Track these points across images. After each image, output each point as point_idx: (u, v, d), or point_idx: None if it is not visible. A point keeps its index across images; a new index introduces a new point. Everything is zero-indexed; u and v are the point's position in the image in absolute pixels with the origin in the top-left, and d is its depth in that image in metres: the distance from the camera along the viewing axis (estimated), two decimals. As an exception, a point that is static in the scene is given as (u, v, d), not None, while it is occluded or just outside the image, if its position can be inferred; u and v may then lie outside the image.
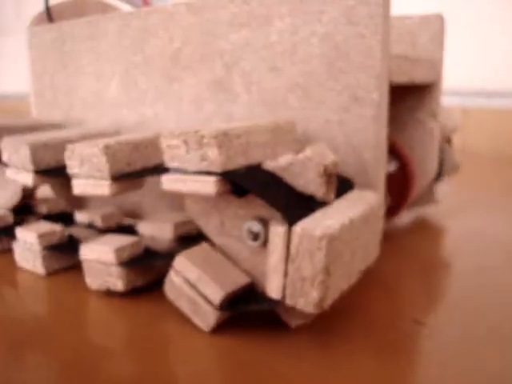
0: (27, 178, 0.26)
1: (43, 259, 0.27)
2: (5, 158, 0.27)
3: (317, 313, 0.18)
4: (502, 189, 0.48)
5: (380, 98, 0.22)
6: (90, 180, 0.23)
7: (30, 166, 0.25)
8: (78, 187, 0.23)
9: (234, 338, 0.20)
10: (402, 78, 0.26)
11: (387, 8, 0.22)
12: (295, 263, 0.17)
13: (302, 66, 0.24)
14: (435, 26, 0.32)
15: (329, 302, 0.18)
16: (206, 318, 0.20)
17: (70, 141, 0.26)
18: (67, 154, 0.23)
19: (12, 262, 0.28)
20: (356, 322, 0.21)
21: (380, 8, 0.22)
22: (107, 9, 0.41)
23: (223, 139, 0.18)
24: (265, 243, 0.20)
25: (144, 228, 0.27)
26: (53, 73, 0.34)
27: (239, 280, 0.21)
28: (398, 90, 0.32)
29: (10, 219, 0.31)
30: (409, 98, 0.33)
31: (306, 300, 0.18)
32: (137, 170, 0.23)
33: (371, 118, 0.23)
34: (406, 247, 0.31)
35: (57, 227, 0.28)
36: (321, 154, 0.19)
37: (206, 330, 0.21)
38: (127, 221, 0.31)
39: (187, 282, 0.21)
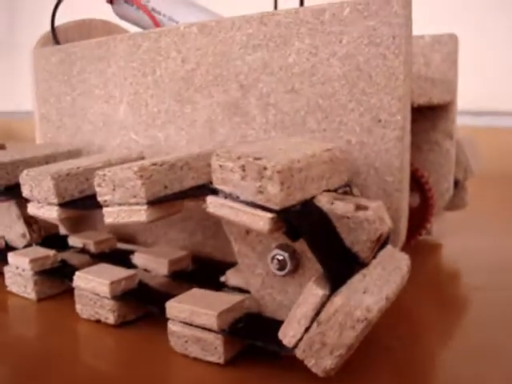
0: (52, 212, 0.24)
1: (34, 284, 0.27)
2: (25, 193, 0.25)
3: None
4: (492, 207, 0.47)
5: (403, 119, 0.22)
6: (124, 207, 0.21)
7: (54, 199, 0.24)
8: (111, 216, 0.22)
9: (249, 370, 0.19)
10: (422, 99, 0.25)
11: (409, 28, 0.22)
12: (322, 327, 0.17)
13: (321, 87, 0.23)
14: (448, 45, 0.32)
15: (337, 370, 0.17)
16: (215, 349, 0.20)
17: (94, 169, 0.25)
18: (97, 180, 0.22)
19: (2, 285, 0.28)
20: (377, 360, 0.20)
21: (402, 28, 0.21)
22: (113, 30, 0.40)
23: (287, 175, 0.17)
24: (291, 272, 0.19)
25: (139, 260, 0.27)
26: (59, 95, 0.33)
27: (232, 300, 0.20)
28: (413, 110, 0.31)
29: (2, 242, 0.30)
30: (424, 119, 0.32)
31: (318, 364, 0.17)
32: (174, 193, 0.22)
33: (395, 139, 0.22)
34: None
35: (49, 252, 0.27)
36: (380, 217, 0.18)
37: (220, 361, 0.20)
38: (120, 246, 0.30)
39: (184, 324, 0.20)
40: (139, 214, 0.21)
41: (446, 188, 0.32)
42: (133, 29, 0.37)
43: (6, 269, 0.28)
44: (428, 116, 0.32)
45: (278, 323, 0.19)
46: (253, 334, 0.20)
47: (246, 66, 0.25)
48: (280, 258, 0.19)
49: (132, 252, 0.28)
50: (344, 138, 0.23)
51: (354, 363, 0.19)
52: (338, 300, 0.16)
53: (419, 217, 0.30)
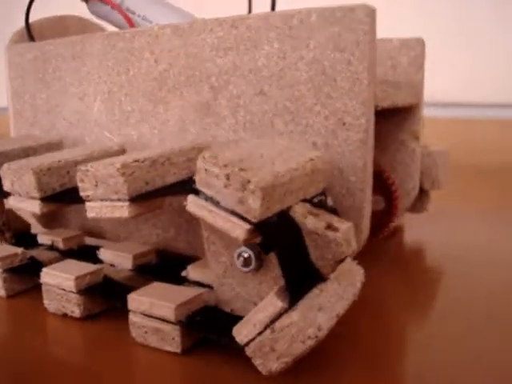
0: (34, 206, 0.25)
1: (4, 281, 0.27)
2: (6, 187, 0.25)
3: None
4: (469, 196, 0.49)
5: (367, 123, 0.23)
6: (107, 202, 0.22)
7: (36, 194, 0.24)
8: (93, 210, 0.22)
9: (204, 359, 0.20)
10: (385, 103, 0.26)
11: (373, 35, 0.23)
12: (274, 334, 0.18)
13: (289, 91, 0.24)
14: (416, 49, 0.33)
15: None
16: (173, 339, 0.21)
17: (76, 162, 0.25)
18: (79, 175, 0.22)
19: None
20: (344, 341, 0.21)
21: (366, 35, 0.22)
22: (88, 27, 0.41)
23: (269, 191, 0.18)
24: (256, 269, 0.20)
25: (105, 255, 0.28)
26: (33, 92, 0.34)
27: (191, 293, 0.22)
28: (380, 112, 0.32)
29: None
30: (390, 119, 0.33)
31: (264, 365, 0.18)
32: (155, 189, 0.22)
33: (359, 142, 0.23)
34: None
35: (18, 250, 0.28)
36: (347, 240, 0.19)
37: (177, 351, 0.21)
38: (88, 241, 0.31)
39: (144, 315, 0.21)
40: (121, 210, 0.21)
41: (412, 187, 0.33)
42: (108, 26, 0.37)
43: None
44: (395, 117, 0.33)
45: (233, 318, 0.20)
46: (208, 327, 0.21)
47: (216, 68, 0.26)
48: (246, 255, 0.20)
49: (99, 248, 0.29)
50: (310, 139, 0.24)
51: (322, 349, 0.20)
52: (294, 315, 0.18)
53: (384, 216, 0.31)
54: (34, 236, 0.32)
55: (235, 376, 0.19)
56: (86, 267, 0.25)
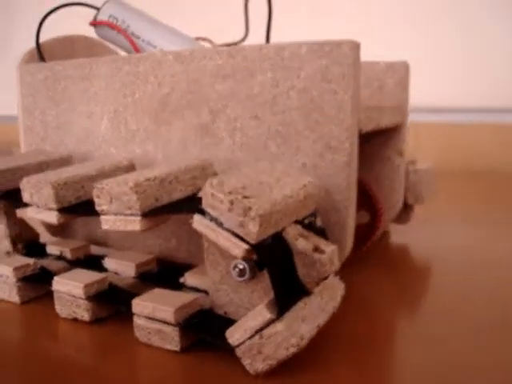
0: (51, 217, 0.27)
1: (18, 290, 0.30)
2: (26, 198, 0.28)
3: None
4: (456, 199, 0.52)
5: (351, 147, 0.25)
6: (120, 216, 0.24)
7: (54, 205, 0.26)
8: (107, 223, 0.24)
9: (201, 357, 0.23)
10: (370, 126, 0.29)
11: (357, 68, 0.25)
12: (262, 340, 0.21)
13: (281, 116, 0.26)
14: (401, 72, 0.36)
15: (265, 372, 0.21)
16: (172, 339, 0.23)
17: (90, 177, 0.28)
18: (95, 192, 0.24)
19: None
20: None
21: (351, 68, 0.25)
22: (95, 45, 0.43)
23: (267, 218, 0.20)
24: (249, 279, 0.22)
25: (109, 264, 0.31)
26: (44, 109, 0.36)
27: (188, 298, 0.24)
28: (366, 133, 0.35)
29: None
30: (377, 137, 0.36)
31: (252, 365, 0.21)
32: (163, 205, 0.24)
33: (343, 164, 0.25)
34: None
35: (30, 261, 0.30)
36: (331, 261, 0.22)
37: (177, 349, 0.24)
38: (95, 250, 0.34)
39: (147, 318, 0.24)
40: (134, 224, 0.24)
41: (397, 200, 0.36)
42: (112, 46, 0.39)
43: None
44: (381, 136, 0.35)
45: (226, 321, 0.23)
46: (204, 329, 0.23)
47: (215, 94, 0.28)
48: (241, 267, 0.22)
49: (103, 257, 0.31)
50: (300, 161, 0.26)
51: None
52: (279, 325, 0.20)
53: (368, 230, 0.34)
54: (43, 245, 0.34)
55: (227, 373, 0.22)
56: (94, 276, 0.28)
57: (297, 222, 0.23)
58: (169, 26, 0.34)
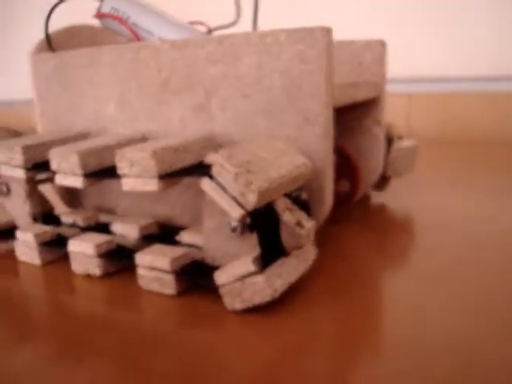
0: (77, 181, 0.31)
1: (39, 253, 0.34)
2: (54, 166, 0.32)
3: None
4: (451, 168, 0.56)
5: (326, 120, 0.29)
6: (139, 179, 0.28)
7: (80, 171, 0.30)
8: (128, 185, 0.28)
9: (194, 298, 0.28)
10: (346, 100, 0.32)
11: (330, 50, 0.29)
12: (243, 286, 0.25)
13: (266, 95, 0.30)
14: (377, 49, 0.39)
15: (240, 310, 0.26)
16: (169, 284, 0.28)
17: (109, 147, 0.32)
18: (117, 157, 0.28)
19: (14, 256, 0.36)
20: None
21: (324, 51, 0.28)
22: (98, 33, 0.47)
23: (264, 192, 0.24)
24: (239, 235, 0.26)
25: (116, 228, 0.35)
26: (55, 94, 0.40)
27: (182, 251, 0.29)
28: (347, 105, 0.38)
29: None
30: (357, 109, 0.39)
31: (230, 303, 0.26)
32: (176, 170, 0.28)
33: (320, 135, 0.29)
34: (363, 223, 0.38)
35: (48, 228, 0.35)
36: (307, 235, 0.27)
37: (173, 293, 0.28)
38: (103, 218, 0.38)
39: (148, 268, 0.29)
40: (151, 185, 0.27)
41: (376, 166, 0.40)
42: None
43: (16, 243, 0.35)
44: (360, 107, 0.39)
45: (213, 268, 0.27)
46: (195, 274, 0.28)
47: (208, 76, 0.32)
48: (234, 224, 0.26)
49: (111, 223, 0.36)
50: (284, 132, 0.30)
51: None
52: (260, 277, 0.25)
53: (350, 176, 0.38)
54: (57, 216, 0.38)
55: (213, 310, 0.27)
56: (103, 237, 0.32)
57: (286, 194, 0.27)
58: (166, 14, 0.38)
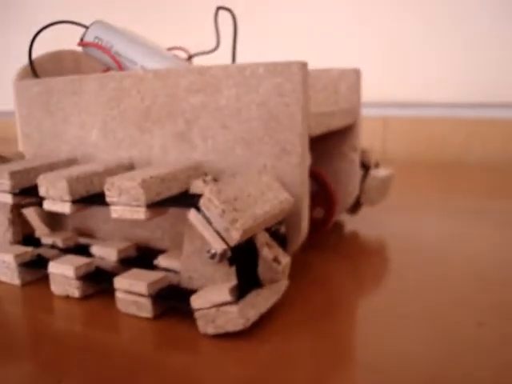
0: (65, 207, 0.31)
1: (19, 273, 0.35)
2: (42, 192, 0.32)
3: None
4: (422, 191, 0.57)
5: (302, 150, 0.30)
6: (127, 207, 0.28)
7: (68, 197, 0.31)
8: (116, 212, 0.29)
9: (170, 321, 0.29)
10: (321, 130, 0.34)
11: (305, 83, 0.30)
12: (217, 313, 0.26)
13: (245, 125, 0.31)
14: (352, 78, 0.41)
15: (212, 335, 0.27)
16: (146, 308, 0.29)
17: (97, 174, 0.32)
18: (107, 186, 0.29)
19: None
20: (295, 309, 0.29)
21: (300, 85, 0.30)
22: (81, 58, 0.48)
23: (248, 231, 0.25)
24: (218, 263, 0.28)
25: (96, 250, 0.36)
26: (39, 119, 0.41)
27: (159, 275, 0.30)
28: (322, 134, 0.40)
29: None
30: (334, 135, 0.41)
31: (203, 327, 0.27)
32: (163, 199, 0.29)
33: (297, 164, 0.31)
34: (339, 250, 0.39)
35: (28, 249, 0.36)
36: (283, 271, 0.28)
37: (150, 316, 0.29)
38: (82, 240, 0.39)
39: (126, 292, 0.30)
40: (139, 214, 0.28)
41: (352, 189, 0.41)
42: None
43: None
44: (337, 134, 0.41)
45: (190, 293, 0.28)
46: (171, 298, 0.29)
47: (189, 106, 0.33)
48: (213, 252, 0.27)
49: (90, 245, 0.37)
50: (262, 162, 0.31)
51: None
52: (235, 308, 0.26)
53: (325, 201, 0.39)
54: (38, 238, 0.39)
55: (188, 333, 0.28)
56: (82, 260, 0.33)
57: (266, 228, 0.29)
58: (149, 42, 0.39)
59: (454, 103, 0.86)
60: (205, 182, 0.28)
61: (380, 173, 0.45)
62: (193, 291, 0.28)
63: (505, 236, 0.42)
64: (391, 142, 0.87)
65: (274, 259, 0.28)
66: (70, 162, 0.38)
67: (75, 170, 0.33)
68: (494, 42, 0.82)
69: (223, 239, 0.26)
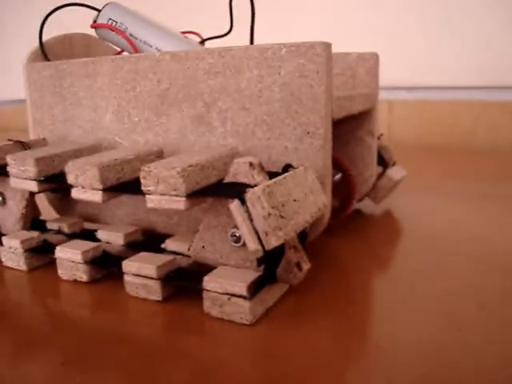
0: (96, 196, 0.30)
1: (25, 258, 0.35)
2: (71, 180, 0.31)
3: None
4: (430, 174, 0.57)
5: (325, 132, 0.30)
6: (165, 197, 0.27)
7: (99, 185, 0.29)
8: (152, 202, 0.27)
9: (178, 304, 0.29)
10: (342, 114, 0.33)
11: (329, 65, 0.29)
12: (229, 302, 0.26)
13: (266, 107, 0.31)
14: (371, 61, 0.40)
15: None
16: (156, 290, 0.29)
17: (128, 160, 0.31)
18: (143, 174, 0.27)
19: None
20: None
21: (324, 65, 0.29)
22: (93, 42, 0.47)
23: (287, 239, 0.25)
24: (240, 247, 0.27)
25: (102, 235, 0.36)
26: (51, 104, 0.40)
27: (167, 258, 0.30)
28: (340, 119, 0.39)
29: None
30: (351, 120, 0.40)
31: (209, 308, 0.27)
32: (202, 188, 0.28)
33: (319, 146, 0.30)
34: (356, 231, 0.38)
35: (34, 234, 0.35)
36: (301, 277, 0.28)
37: (159, 299, 0.29)
38: (88, 226, 0.39)
39: (135, 275, 0.29)
40: (178, 204, 0.27)
41: (369, 175, 0.41)
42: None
43: (1, 249, 0.36)
44: (354, 119, 0.40)
45: (199, 274, 0.28)
46: (179, 280, 0.29)
47: (208, 88, 0.32)
48: (237, 234, 0.27)
49: (96, 230, 0.36)
50: (283, 144, 0.31)
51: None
52: (246, 304, 0.26)
53: (346, 189, 0.39)
54: (44, 221, 0.39)
55: (199, 315, 0.27)
56: (90, 244, 0.33)
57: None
58: (162, 25, 0.38)
59: (461, 86, 0.85)
60: (251, 165, 0.26)
61: (396, 175, 0.44)
62: (201, 265, 0.28)
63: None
64: (396, 126, 0.87)
65: (297, 264, 0.27)
66: (94, 149, 0.37)
67: (104, 157, 0.31)
68: (503, 24, 0.82)
69: (260, 240, 0.24)
